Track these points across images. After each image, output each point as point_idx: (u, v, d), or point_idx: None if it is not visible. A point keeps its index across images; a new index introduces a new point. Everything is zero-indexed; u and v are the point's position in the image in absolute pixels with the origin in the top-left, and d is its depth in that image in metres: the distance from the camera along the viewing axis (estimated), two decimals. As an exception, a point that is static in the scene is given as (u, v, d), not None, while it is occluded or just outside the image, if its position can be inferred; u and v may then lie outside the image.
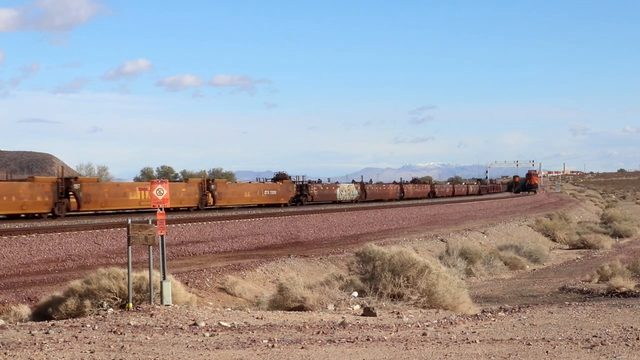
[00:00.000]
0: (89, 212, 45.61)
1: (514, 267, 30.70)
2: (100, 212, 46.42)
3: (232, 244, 31.48)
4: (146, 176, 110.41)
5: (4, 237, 26.62)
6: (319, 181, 76.67)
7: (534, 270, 30.93)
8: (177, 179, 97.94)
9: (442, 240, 35.41)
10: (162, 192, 15.14)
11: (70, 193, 43.52)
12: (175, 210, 49.91)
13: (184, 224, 35.65)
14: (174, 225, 33.56)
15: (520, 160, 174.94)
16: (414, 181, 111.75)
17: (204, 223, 36.97)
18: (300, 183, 70.09)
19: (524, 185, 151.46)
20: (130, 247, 14.51)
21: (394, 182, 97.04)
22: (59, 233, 28.98)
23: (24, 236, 27.42)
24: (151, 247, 14.58)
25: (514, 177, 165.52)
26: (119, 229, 30.38)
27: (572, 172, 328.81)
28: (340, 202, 72.40)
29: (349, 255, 22.94)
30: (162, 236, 14.73)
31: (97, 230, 30.60)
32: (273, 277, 21.97)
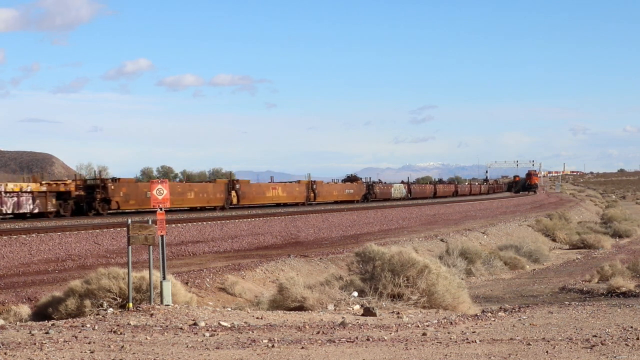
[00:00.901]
0: (245, 206, 60.36)
1: (514, 267, 30.69)
2: (249, 205, 60.56)
3: (232, 244, 31.49)
4: (146, 176, 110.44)
5: (4, 237, 26.63)
6: (379, 181, 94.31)
7: (534, 270, 30.93)
8: (178, 179, 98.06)
9: (442, 240, 35.41)
10: (162, 192, 15.14)
11: (233, 192, 58.49)
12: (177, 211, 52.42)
13: (184, 224, 35.66)
14: (173, 225, 33.57)
15: (520, 160, 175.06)
16: (441, 182, 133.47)
17: (204, 223, 36.97)
18: (368, 183, 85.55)
19: (524, 185, 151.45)
20: (130, 247, 14.52)
21: (429, 183, 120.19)
22: (59, 233, 28.98)
23: (24, 236, 27.42)
24: (151, 247, 14.58)
25: (514, 177, 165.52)
26: (118, 229, 30.38)
27: (572, 172, 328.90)
28: (393, 199, 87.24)
29: (349, 255, 22.95)
30: (162, 236, 14.73)
31: (97, 230, 30.61)
32: (273, 277, 21.97)
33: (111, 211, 46.29)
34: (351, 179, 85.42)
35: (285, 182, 71.25)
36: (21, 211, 40.39)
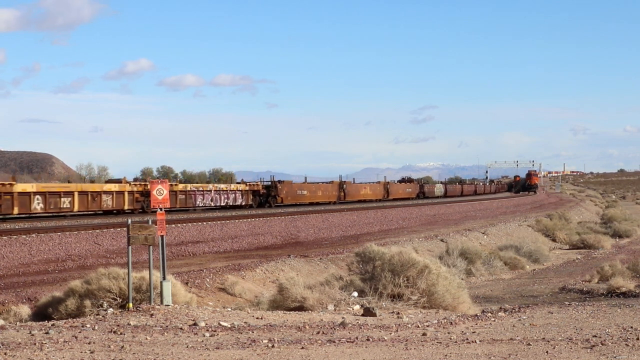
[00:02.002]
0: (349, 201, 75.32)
1: (514, 267, 30.69)
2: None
3: (232, 244, 31.48)
4: (146, 176, 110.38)
5: (4, 237, 26.62)
6: (427, 182, 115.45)
7: (534, 270, 30.93)
8: (177, 179, 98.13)
9: (442, 240, 35.41)
10: (162, 192, 15.15)
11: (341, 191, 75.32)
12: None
13: (184, 224, 35.66)
14: (173, 226, 33.57)
15: (520, 160, 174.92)
16: (462, 182, 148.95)
17: (204, 223, 36.97)
18: (421, 183, 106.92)
19: (524, 185, 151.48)
20: (130, 247, 14.52)
21: (458, 183, 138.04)
22: (59, 233, 28.98)
23: (24, 236, 27.42)
24: (151, 247, 14.58)
25: (515, 177, 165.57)
26: (118, 229, 30.37)
27: (572, 172, 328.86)
28: (436, 197, 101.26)
29: (349, 255, 22.95)
30: (162, 236, 14.73)
31: (97, 231, 30.60)
32: (273, 277, 21.97)
33: (277, 204, 62.62)
34: (407, 180, 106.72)
35: (319, 183, 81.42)
36: (236, 203, 58.67)
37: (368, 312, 14.02)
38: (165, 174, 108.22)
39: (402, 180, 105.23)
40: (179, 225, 34.91)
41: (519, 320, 13.21)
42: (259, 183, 62.90)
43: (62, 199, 42.07)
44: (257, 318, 13.33)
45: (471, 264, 28.38)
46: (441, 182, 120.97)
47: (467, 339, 11.13)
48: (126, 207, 46.67)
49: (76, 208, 42.79)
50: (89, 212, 44.16)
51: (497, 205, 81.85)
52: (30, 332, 11.45)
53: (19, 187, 39.55)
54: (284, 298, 15.45)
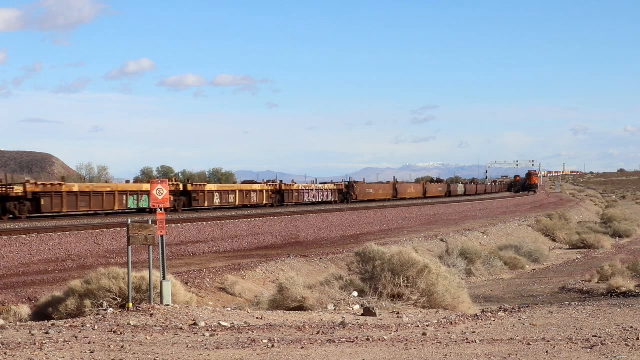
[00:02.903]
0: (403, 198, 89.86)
1: (514, 267, 30.69)
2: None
3: (232, 243, 31.49)
4: (146, 176, 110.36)
5: (4, 237, 26.62)
6: (453, 182, 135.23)
7: (534, 270, 30.93)
8: (178, 179, 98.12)
9: (442, 240, 35.40)
10: (162, 192, 15.15)
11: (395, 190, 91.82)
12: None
13: (184, 224, 35.66)
14: (173, 225, 33.57)
15: (520, 160, 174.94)
16: (476, 183, 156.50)
17: (204, 223, 36.97)
18: (449, 183, 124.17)
19: (524, 185, 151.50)
20: (130, 247, 14.52)
21: (479, 183, 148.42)
22: (59, 233, 28.98)
23: (24, 236, 27.42)
24: (151, 247, 14.58)
25: (515, 177, 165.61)
26: (118, 229, 30.37)
27: (572, 172, 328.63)
28: (458, 196, 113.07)
29: (349, 255, 22.94)
30: (162, 236, 14.73)
31: (97, 230, 30.60)
32: (273, 277, 21.97)
33: (353, 200, 77.24)
34: (437, 180, 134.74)
35: (379, 183, 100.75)
36: (328, 199, 72.61)
37: (368, 312, 14.01)
38: (165, 174, 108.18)
39: (432, 181, 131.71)
40: (178, 225, 34.91)
41: (519, 320, 13.21)
42: (342, 183, 79.40)
43: (230, 195, 58.28)
44: (257, 318, 13.33)
45: (471, 263, 28.38)
46: (462, 183, 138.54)
47: (467, 339, 11.13)
48: (265, 202, 61.83)
49: (237, 202, 58.47)
50: (245, 205, 59.51)
51: (497, 205, 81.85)
52: (30, 332, 11.45)
53: (214, 187, 58.23)
54: (284, 298, 15.45)
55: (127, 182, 54.78)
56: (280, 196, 65.42)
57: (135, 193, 48.38)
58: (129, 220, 15.09)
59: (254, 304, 17.09)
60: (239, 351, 10.23)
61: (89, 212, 44.92)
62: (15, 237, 27.03)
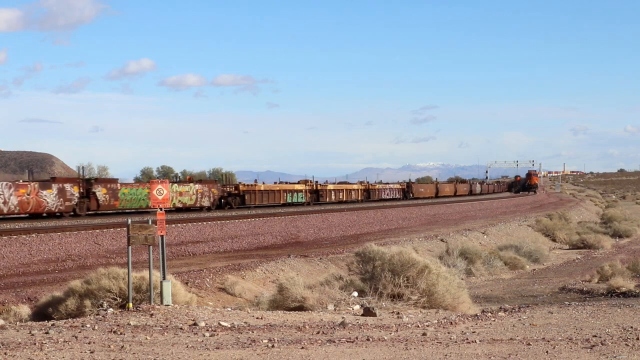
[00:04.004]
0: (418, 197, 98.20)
1: (514, 267, 30.68)
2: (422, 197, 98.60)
3: (232, 244, 31.49)
4: (146, 176, 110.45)
5: (4, 237, 26.63)
6: (474, 182, 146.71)
7: (534, 270, 30.93)
8: (178, 179, 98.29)
9: (442, 240, 35.41)
10: (162, 192, 15.15)
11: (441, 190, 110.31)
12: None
13: (184, 224, 35.67)
14: (173, 226, 33.57)
15: (520, 160, 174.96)
16: (488, 183, 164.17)
17: (204, 223, 36.98)
18: (471, 183, 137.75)
19: (523, 185, 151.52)
20: (130, 247, 14.52)
21: (490, 183, 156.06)
22: (59, 233, 28.98)
23: (24, 236, 27.42)
24: (151, 247, 14.58)
25: (515, 177, 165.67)
26: (118, 229, 30.38)
27: (572, 172, 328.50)
28: (477, 194, 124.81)
29: (349, 255, 22.94)
30: (162, 236, 14.73)
31: (97, 230, 30.60)
32: (273, 277, 21.97)
33: (411, 198, 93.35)
34: (460, 181, 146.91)
35: (425, 184, 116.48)
36: (396, 197, 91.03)
37: (368, 312, 14.01)
38: (166, 174, 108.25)
39: (455, 181, 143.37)
40: (178, 225, 34.92)
41: (519, 320, 13.21)
42: (405, 183, 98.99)
43: (296, 194, 69.06)
44: (257, 318, 13.34)
45: (471, 263, 28.38)
46: (479, 183, 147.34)
47: (467, 339, 11.14)
48: (305, 201, 70.16)
49: (281, 201, 66.19)
50: (287, 204, 67.03)
51: (497, 205, 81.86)
52: (30, 332, 11.45)
53: (262, 187, 65.86)
54: (284, 298, 15.44)
55: (171, 181, 61.59)
56: (368, 194, 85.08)
57: (291, 191, 68.72)
58: (129, 221, 15.09)
59: (254, 304, 17.09)
60: (239, 351, 10.23)
61: (268, 205, 63.10)
62: (15, 237, 27.04)
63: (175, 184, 54.27)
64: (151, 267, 14.30)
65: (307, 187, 72.00)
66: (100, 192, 46.65)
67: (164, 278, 14.45)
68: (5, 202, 39.08)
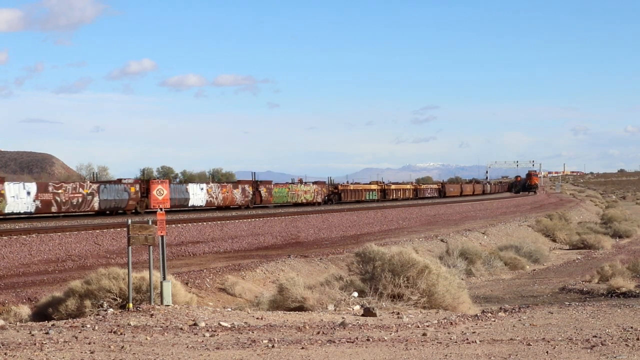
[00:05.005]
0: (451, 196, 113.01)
1: (514, 267, 30.69)
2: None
3: (232, 244, 31.49)
4: (146, 176, 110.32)
5: (4, 238, 26.63)
6: (488, 182, 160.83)
7: (534, 270, 30.94)
8: (177, 180, 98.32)
9: (442, 240, 35.41)
10: (162, 192, 15.15)
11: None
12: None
13: (184, 224, 35.67)
14: (173, 226, 33.57)
15: (520, 160, 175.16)
16: (494, 183, 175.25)
17: (204, 223, 36.98)
18: (484, 183, 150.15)
19: (524, 185, 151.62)
20: (130, 247, 14.52)
21: (495, 184, 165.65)
22: (59, 233, 28.98)
23: (24, 236, 27.43)
24: (151, 247, 14.58)
25: (516, 177, 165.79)
26: (119, 229, 30.38)
27: (573, 172, 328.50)
28: (489, 193, 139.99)
29: (349, 255, 22.94)
30: (162, 236, 14.73)
31: (97, 231, 30.60)
32: (273, 278, 21.97)
33: (445, 196, 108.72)
34: (477, 181, 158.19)
35: (454, 184, 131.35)
36: (434, 195, 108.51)
37: (368, 312, 14.01)
38: (166, 174, 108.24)
39: (473, 182, 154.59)
40: (179, 225, 34.92)
41: (519, 320, 13.21)
42: (440, 183, 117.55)
43: (371, 192, 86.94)
44: (257, 318, 13.34)
45: (471, 264, 28.38)
46: (488, 183, 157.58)
47: (467, 339, 11.14)
48: (377, 198, 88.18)
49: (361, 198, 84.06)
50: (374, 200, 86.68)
51: (497, 205, 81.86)
52: (30, 332, 11.45)
53: (350, 186, 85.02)
54: (284, 298, 15.44)
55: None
56: (416, 192, 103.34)
57: (368, 190, 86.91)
58: (129, 221, 15.09)
59: (254, 305, 17.10)
60: (239, 351, 10.23)
61: (354, 200, 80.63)
62: (15, 237, 27.04)
63: (302, 184, 73.84)
64: (151, 267, 14.30)
65: (378, 187, 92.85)
66: (263, 190, 64.15)
67: (164, 278, 14.45)
68: (216, 198, 58.15)
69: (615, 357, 9.71)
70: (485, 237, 40.76)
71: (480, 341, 10.94)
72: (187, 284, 18.73)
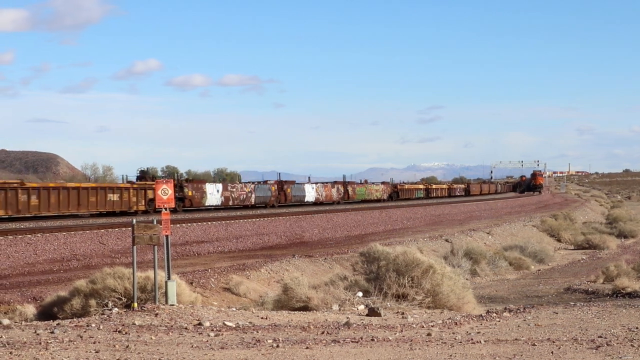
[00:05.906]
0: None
1: (519, 267, 30.66)
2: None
3: (237, 243, 31.51)
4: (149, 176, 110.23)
5: (9, 237, 26.68)
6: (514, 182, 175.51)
7: (539, 270, 30.90)
8: (182, 179, 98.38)
9: (446, 240, 35.39)
10: (166, 192, 15.17)
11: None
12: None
13: (189, 224, 35.70)
14: (178, 225, 33.60)
15: (525, 160, 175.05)
16: (500, 182, 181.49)
17: (209, 223, 37.01)
18: (511, 183, 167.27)
19: (528, 185, 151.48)
20: (135, 247, 14.54)
21: (503, 184, 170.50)
22: (64, 233, 29.03)
23: (29, 236, 27.47)
24: (156, 247, 14.60)
25: (521, 177, 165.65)
26: (123, 228, 30.42)
27: (578, 172, 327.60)
28: (502, 193, 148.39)
29: (354, 255, 22.94)
30: (166, 236, 14.75)
31: (102, 230, 30.65)
32: (278, 277, 21.98)
33: (470, 195, 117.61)
34: (490, 182, 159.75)
35: (477, 184, 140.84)
36: (462, 194, 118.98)
37: (373, 312, 14.01)
38: (170, 173, 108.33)
39: (489, 182, 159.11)
40: (183, 225, 34.95)
41: (524, 320, 13.20)
42: (466, 183, 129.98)
43: (419, 191, 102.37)
44: (262, 318, 13.34)
45: (476, 264, 28.35)
46: (499, 183, 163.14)
47: (472, 339, 11.13)
48: (423, 196, 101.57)
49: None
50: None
51: (502, 205, 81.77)
52: (35, 332, 11.47)
53: (406, 186, 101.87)
54: (288, 298, 15.45)
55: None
56: (449, 192, 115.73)
57: (417, 189, 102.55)
58: (134, 221, 15.12)
59: (259, 304, 17.10)
60: (243, 351, 10.23)
61: (408, 198, 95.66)
62: (20, 236, 27.09)
63: (374, 185, 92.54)
64: (156, 267, 14.32)
65: (424, 186, 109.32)
66: (350, 189, 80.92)
67: (168, 278, 14.47)
68: (321, 195, 72.63)
69: (620, 358, 9.69)
70: (490, 237, 40.72)
71: (485, 341, 10.93)
72: (191, 283, 18.75)
